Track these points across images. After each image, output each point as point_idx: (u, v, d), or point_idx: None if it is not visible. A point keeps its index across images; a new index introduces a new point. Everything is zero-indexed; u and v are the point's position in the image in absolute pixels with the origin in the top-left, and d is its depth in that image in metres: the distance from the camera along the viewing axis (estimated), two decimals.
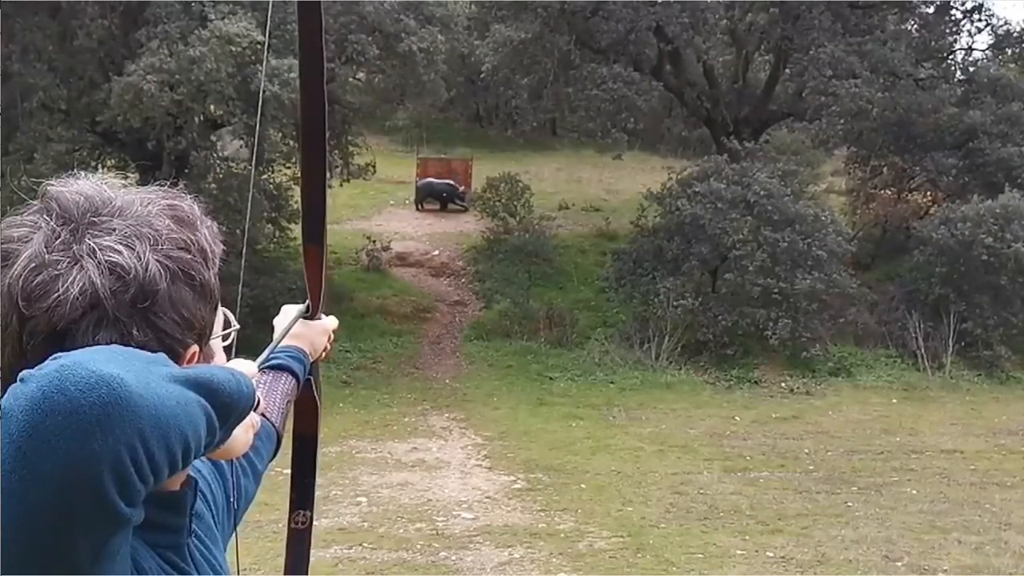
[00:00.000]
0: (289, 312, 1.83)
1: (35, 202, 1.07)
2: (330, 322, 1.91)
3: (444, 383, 16.94)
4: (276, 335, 1.70)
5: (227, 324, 1.22)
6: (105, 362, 0.87)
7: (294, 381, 1.77)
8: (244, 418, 1.04)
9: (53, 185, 1.08)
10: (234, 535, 1.35)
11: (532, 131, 25.76)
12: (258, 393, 1.06)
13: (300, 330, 1.82)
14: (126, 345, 1.00)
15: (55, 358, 0.88)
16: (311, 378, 1.84)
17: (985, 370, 17.89)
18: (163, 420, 0.88)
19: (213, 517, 1.35)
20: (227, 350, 1.23)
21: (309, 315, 1.83)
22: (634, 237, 20.16)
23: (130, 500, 0.88)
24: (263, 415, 1.67)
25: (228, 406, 0.98)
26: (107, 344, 1.00)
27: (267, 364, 1.71)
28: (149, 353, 0.96)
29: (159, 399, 0.89)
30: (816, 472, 12.32)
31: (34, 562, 0.87)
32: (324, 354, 1.91)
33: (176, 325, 1.06)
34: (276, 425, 1.70)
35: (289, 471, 1.94)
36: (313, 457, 1.86)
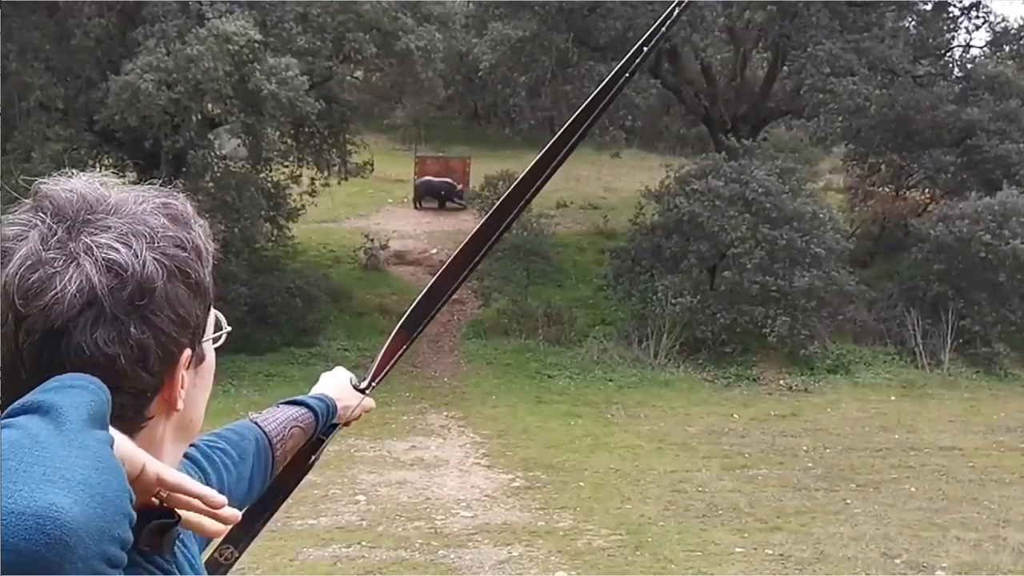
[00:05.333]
0: (340, 373, 1.96)
1: (27, 201, 1.07)
2: (369, 402, 1.99)
3: (443, 381, 16.93)
4: (315, 388, 1.85)
5: (218, 326, 1.22)
6: (25, 487, 0.79)
7: (309, 413, 1.82)
8: None
9: (45, 184, 1.07)
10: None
11: (530, 129, 25.70)
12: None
13: (342, 392, 1.92)
14: (124, 343, 1.00)
15: None
16: (323, 439, 1.88)
17: (983, 367, 17.91)
18: (109, 500, 0.84)
19: None
20: (216, 352, 1.23)
21: (362, 388, 1.94)
22: (632, 235, 20.15)
23: None
24: (255, 422, 1.72)
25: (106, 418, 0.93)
26: (105, 341, 0.99)
27: (286, 400, 1.83)
28: (41, 421, 0.85)
29: (96, 488, 0.83)
30: (815, 469, 12.32)
31: None
32: (345, 424, 1.97)
33: (172, 324, 1.05)
34: (267, 432, 1.72)
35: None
36: (276, 506, 1.84)
